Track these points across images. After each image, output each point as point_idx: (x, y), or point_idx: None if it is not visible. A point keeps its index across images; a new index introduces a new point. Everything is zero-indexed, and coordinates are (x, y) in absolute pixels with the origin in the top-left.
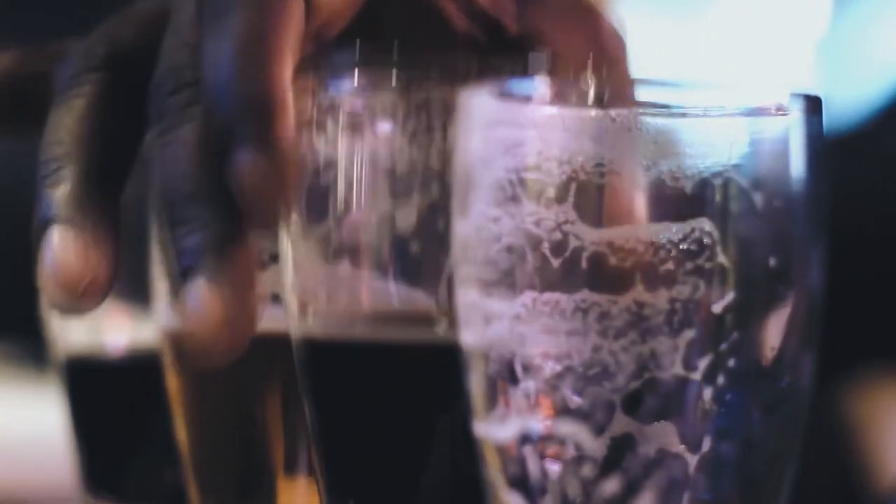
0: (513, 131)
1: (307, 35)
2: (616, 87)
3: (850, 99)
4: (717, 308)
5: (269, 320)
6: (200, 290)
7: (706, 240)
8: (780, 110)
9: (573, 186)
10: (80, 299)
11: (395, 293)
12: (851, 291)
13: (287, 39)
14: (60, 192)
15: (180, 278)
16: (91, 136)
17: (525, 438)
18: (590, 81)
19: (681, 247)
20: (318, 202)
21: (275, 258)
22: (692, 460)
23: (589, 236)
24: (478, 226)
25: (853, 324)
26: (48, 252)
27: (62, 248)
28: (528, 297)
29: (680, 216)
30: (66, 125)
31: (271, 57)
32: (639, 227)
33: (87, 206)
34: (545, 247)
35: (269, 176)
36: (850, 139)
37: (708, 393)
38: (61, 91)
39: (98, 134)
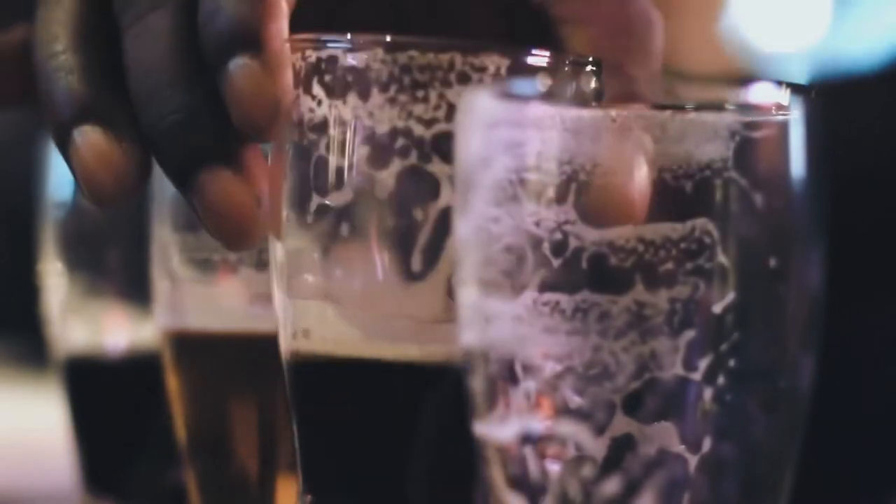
0: (513, 131)
1: None
2: (641, 69)
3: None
4: (717, 308)
5: (270, 320)
6: (222, 178)
7: (706, 240)
8: (780, 109)
9: (573, 186)
10: (125, 189)
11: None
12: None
13: None
14: (76, 88)
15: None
16: (85, 28)
17: (525, 438)
18: (590, 81)
19: (681, 247)
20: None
21: None
22: (692, 460)
23: (589, 236)
24: (478, 226)
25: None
26: (87, 149)
27: (97, 143)
28: (528, 297)
29: (680, 216)
30: (58, 20)
31: None
32: (639, 227)
33: (106, 99)
34: (545, 247)
35: (261, 79)
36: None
37: (708, 393)
38: None
39: (91, 27)
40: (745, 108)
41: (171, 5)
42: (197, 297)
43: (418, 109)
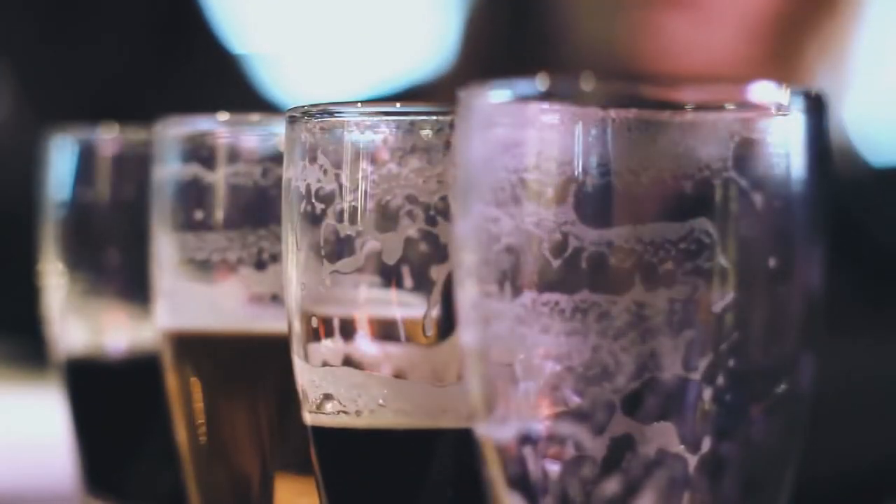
0: (513, 131)
1: None
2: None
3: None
4: (717, 308)
5: (269, 320)
6: None
7: (706, 240)
8: (781, 110)
9: (573, 187)
10: None
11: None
12: None
13: None
14: None
15: None
16: None
17: (525, 439)
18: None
19: (680, 247)
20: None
21: (275, 258)
22: (692, 460)
23: (589, 236)
24: (478, 226)
25: None
26: None
27: None
28: (527, 297)
29: (680, 216)
30: None
31: None
32: (638, 227)
33: None
34: (545, 247)
35: None
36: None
37: (708, 393)
38: None
39: None
40: (745, 108)
41: None
42: (197, 297)
43: (423, 173)
